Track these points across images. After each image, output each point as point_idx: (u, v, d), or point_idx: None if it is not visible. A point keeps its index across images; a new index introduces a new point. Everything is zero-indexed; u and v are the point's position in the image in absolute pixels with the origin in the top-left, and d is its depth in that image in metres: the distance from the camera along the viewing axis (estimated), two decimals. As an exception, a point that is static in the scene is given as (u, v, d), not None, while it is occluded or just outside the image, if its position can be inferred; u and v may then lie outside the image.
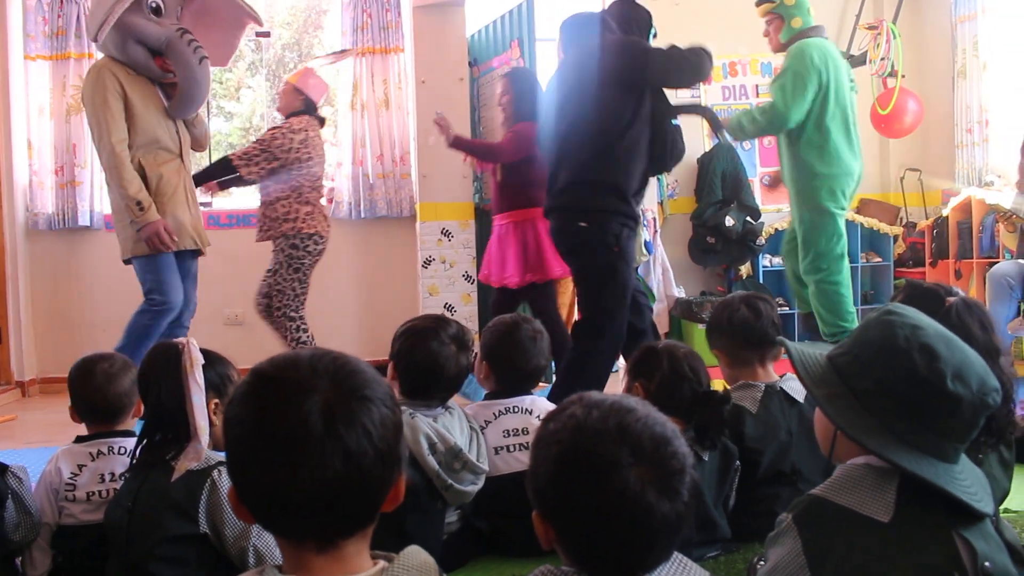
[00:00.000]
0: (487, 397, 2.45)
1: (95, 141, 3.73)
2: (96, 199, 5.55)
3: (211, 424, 1.88)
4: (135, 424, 2.13)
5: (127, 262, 3.84)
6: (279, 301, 4.48)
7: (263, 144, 4.38)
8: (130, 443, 2.10)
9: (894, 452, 1.23)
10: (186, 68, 3.75)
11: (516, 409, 2.38)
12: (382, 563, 1.00)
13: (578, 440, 1.03)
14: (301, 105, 4.56)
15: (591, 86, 3.22)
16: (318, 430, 0.92)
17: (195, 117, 4.01)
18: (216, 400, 1.94)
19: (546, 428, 1.09)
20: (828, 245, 4.20)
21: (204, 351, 1.90)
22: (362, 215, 5.82)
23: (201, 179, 4.45)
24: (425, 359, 2.20)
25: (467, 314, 5.44)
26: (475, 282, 5.46)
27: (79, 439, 2.15)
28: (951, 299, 1.83)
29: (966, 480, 1.24)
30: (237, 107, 7.92)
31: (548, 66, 5.38)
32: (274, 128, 4.45)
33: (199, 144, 4.08)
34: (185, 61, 3.74)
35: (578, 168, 3.25)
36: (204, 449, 1.83)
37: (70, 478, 2.07)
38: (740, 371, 2.43)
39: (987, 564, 1.19)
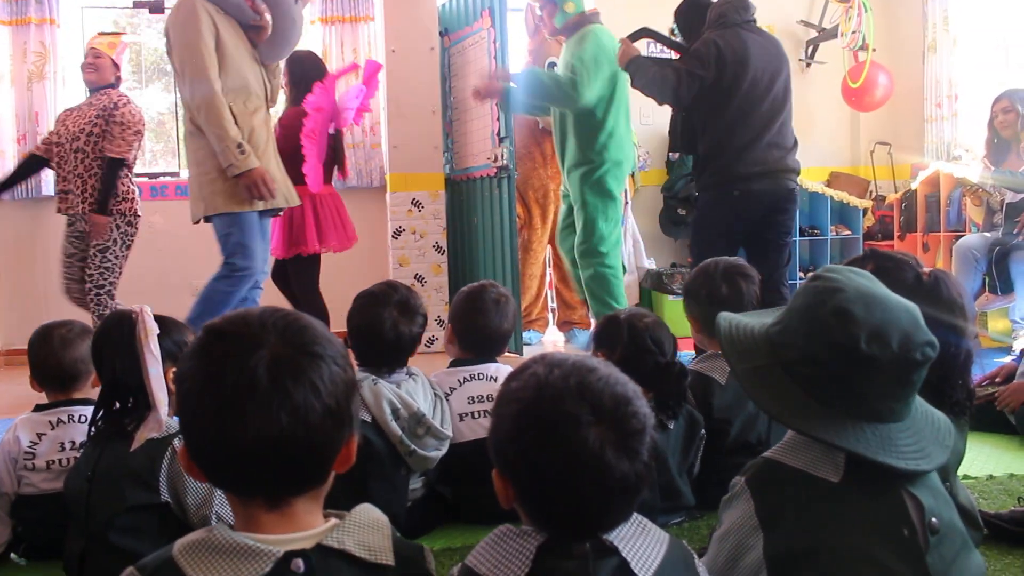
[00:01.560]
0: (452, 364, 2.45)
1: (185, 78, 3.39)
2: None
3: (170, 393, 1.85)
4: (95, 392, 2.10)
5: (205, 220, 3.55)
6: (103, 279, 4.34)
7: (126, 126, 4.29)
8: (90, 411, 2.07)
9: (807, 423, 1.24)
10: (283, 6, 3.53)
11: (481, 376, 2.37)
12: (334, 520, 1.01)
13: (539, 397, 1.03)
14: (115, 79, 4.46)
15: (786, 71, 3.79)
16: (264, 383, 0.92)
17: (275, 66, 3.77)
18: (174, 368, 1.91)
19: (508, 386, 1.09)
20: (609, 229, 4.26)
21: (159, 318, 1.86)
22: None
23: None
24: (362, 323, 2.20)
25: (437, 284, 5.43)
26: (445, 253, 5.45)
27: (38, 408, 2.13)
28: (926, 270, 1.80)
29: (906, 439, 1.23)
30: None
31: (518, 35, 5.36)
32: (123, 107, 4.30)
33: (271, 98, 3.77)
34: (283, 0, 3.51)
35: (790, 138, 3.73)
36: (164, 420, 1.80)
37: (29, 447, 2.05)
38: (712, 341, 2.42)
39: (934, 520, 1.20)
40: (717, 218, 3.72)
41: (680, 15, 4.00)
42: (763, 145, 3.64)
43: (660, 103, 3.81)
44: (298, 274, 4.34)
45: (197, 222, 3.55)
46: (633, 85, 3.88)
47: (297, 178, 4.09)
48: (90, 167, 4.27)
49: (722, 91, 3.61)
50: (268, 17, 3.54)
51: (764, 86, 3.65)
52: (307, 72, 4.36)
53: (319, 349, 0.97)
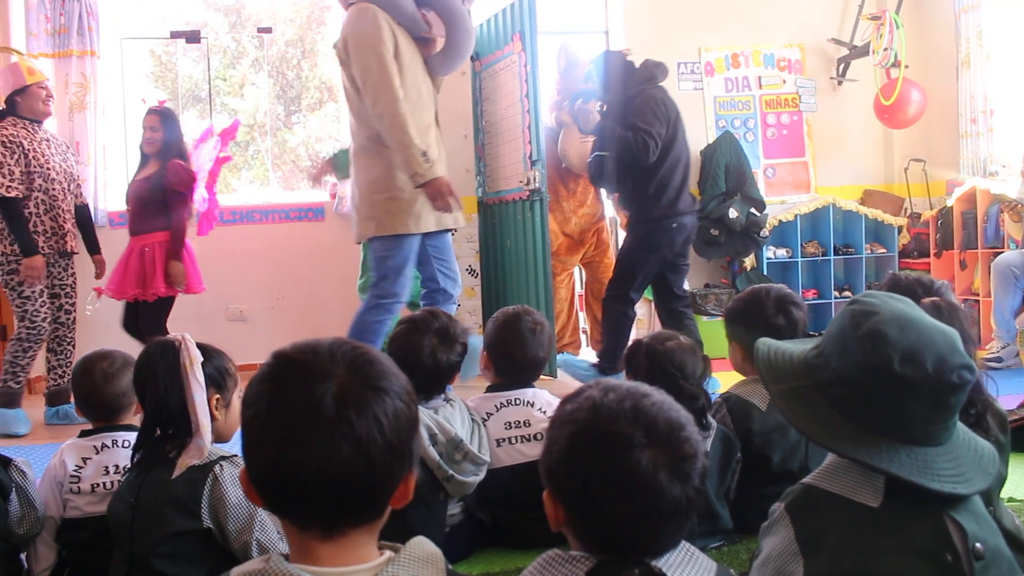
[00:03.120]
0: (489, 389, 2.46)
1: (368, 87, 3.34)
2: (100, 196, 5.56)
3: (213, 419, 1.88)
4: (139, 419, 2.13)
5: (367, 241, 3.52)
6: (72, 316, 4.45)
7: None
8: (133, 436, 2.11)
9: (841, 443, 1.24)
10: (457, 17, 3.49)
11: (518, 401, 2.38)
12: (388, 554, 1.01)
13: (593, 419, 1.04)
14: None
15: None
16: (329, 414, 0.93)
17: (439, 81, 3.71)
18: (217, 395, 1.94)
19: (563, 409, 1.10)
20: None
21: (199, 345, 1.89)
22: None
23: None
24: (400, 349, 2.22)
25: (471, 308, 5.45)
26: (479, 276, 5.47)
27: (83, 433, 2.17)
28: (925, 301, 1.77)
29: (945, 463, 1.22)
30: (241, 104, 7.96)
31: (549, 59, 5.39)
32: None
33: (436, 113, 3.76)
34: (456, 9, 3.48)
35: None
36: (207, 446, 1.83)
37: (75, 470, 2.09)
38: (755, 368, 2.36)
39: (978, 545, 1.19)
40: (656, 244, 4.31)
41: (599, 65, 4.40)
42: (687, 188, 4.37)
43: (630, 162, 4.23)
44: (157, 313, 4.53)
45: (360, 243, 3.54)
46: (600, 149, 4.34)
47: (155, 226, 4.45)
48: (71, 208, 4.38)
49: (663, 143, 4.19)
50: (436, 31, 3.53)
51: (681, 139, 4.37)
52: (177, 125, 4.63)
53: (385, 384, 0.98)
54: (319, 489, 0.94)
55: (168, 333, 4.52)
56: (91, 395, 2.16)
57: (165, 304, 4.57)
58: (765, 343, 1.42)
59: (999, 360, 4.68)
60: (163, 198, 4.44)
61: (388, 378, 0.99)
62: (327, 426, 0.93)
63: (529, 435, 2.32)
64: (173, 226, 4.47)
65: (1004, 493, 2.15)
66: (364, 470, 0.94)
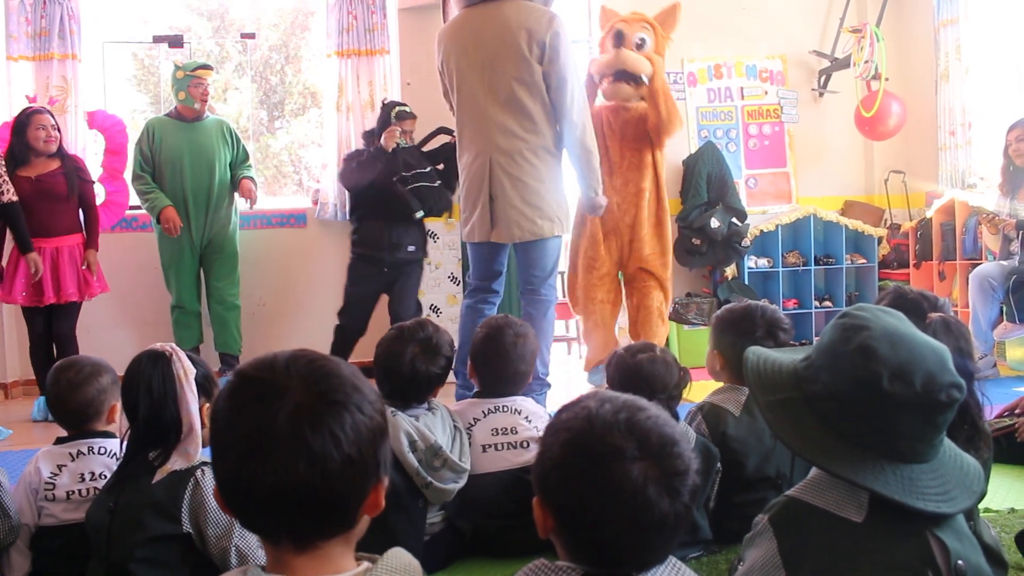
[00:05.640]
0: (476, 395, 2.47)
1: (572, 94, 3.43)
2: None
3: (203, 426, 1.88)
4: (112, 426, 2.13)
5: (521, 245, 3.51)
6: None
7: None
8: (109, 443, 2.11)
9: (827, 459, 1.24)
10: None
11: (505, 409, 2.38)
12: (366, 564, 1.00)
13: (588, 428, 1.05)
14: None
15: None
16: (283, 431, 0.93)
17: None
18: (207, 404, 1.94)
19: (559, 417, 1.11)
20: None
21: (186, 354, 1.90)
22: (347, 216, 5.79)
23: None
24: (382, 356, 2.23)
25: (452, 315, 5.43)
26: (460, 283, 5.46)
27: (59, 440, 2.16)
28: (933, 316, 1.78)
29: (930, 481, 1.22)
30: (224, 108, 7.93)
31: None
32: None
33: None
34: None
35: None
36: (195, 453, 1.83)
37: (50, 478, 2.07)
38: (736, 377, 2.34)
39: (960, 563, 1.19)
40: None
41: None
42: None
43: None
44: (73, 316, 4.62)
45: (518, 242, 3.51)
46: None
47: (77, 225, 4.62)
48: None
49: None
50: None
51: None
52: None
53: (342, 397, 0.97)
54: (281, 504, 0.94)
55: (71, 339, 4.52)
56: (58, 404, 2.16)
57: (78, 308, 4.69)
58: (755, 352, 1.42)
59: (977, 371, 4.71)
60: (77, 195, 4.64)
61: (346, 391, 0.98)
62: (282, 444, 0.93)
63: (515, 442, 2.33)
64: (96, 220, 4.73)
65: (981, 504, 2.15)
66: (322, 485, 0.94)
